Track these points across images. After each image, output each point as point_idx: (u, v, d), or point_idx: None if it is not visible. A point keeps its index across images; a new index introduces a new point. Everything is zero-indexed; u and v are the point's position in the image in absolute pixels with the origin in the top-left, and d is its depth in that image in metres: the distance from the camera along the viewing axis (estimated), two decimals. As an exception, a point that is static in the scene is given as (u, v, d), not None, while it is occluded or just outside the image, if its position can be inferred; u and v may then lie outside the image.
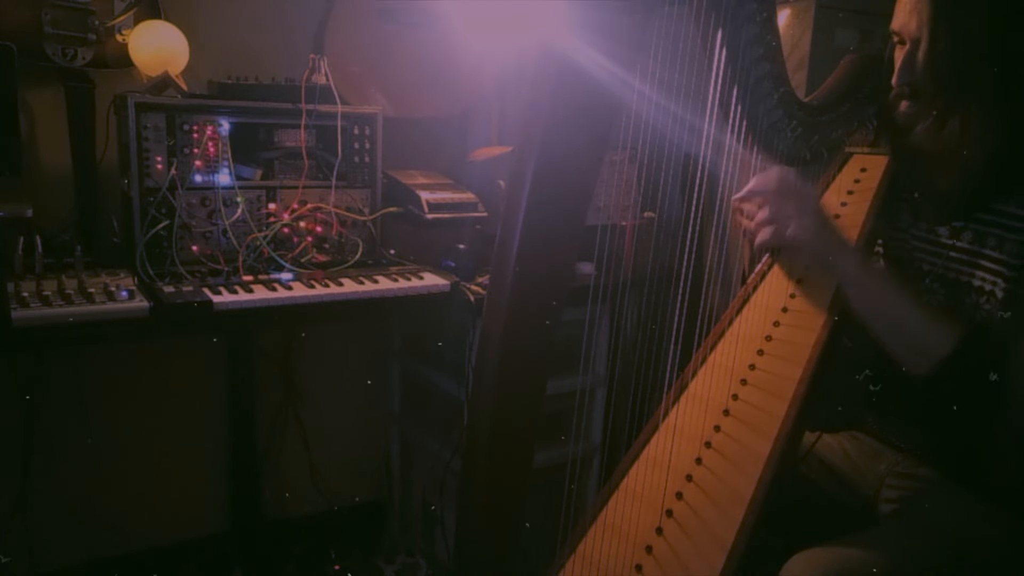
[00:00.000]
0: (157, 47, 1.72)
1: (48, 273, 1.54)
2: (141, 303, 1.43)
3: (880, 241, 1.33)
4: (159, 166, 1.64)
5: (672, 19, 1.06)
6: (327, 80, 1.77)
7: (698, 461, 1.18)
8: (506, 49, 2.09)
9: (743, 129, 1.18)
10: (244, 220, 1.72)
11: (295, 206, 1.77)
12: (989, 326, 1.15)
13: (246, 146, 1.79)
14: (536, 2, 0.99)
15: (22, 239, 1.54)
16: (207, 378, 2.10)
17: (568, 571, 1.16)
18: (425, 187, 1.95)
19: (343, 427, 2.33)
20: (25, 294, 1.40)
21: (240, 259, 1.68)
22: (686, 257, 1.16)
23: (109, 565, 2.05)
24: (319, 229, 1.80)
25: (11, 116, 1.58)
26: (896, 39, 1.19)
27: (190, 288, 1.53)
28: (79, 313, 1.37)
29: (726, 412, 1.21)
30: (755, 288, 1.34)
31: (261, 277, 1.66)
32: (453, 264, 1.83)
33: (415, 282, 1.71)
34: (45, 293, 1.41)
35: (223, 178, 1.70)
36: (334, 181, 1.81)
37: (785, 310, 1.29)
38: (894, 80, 1.19)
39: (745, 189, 1.18)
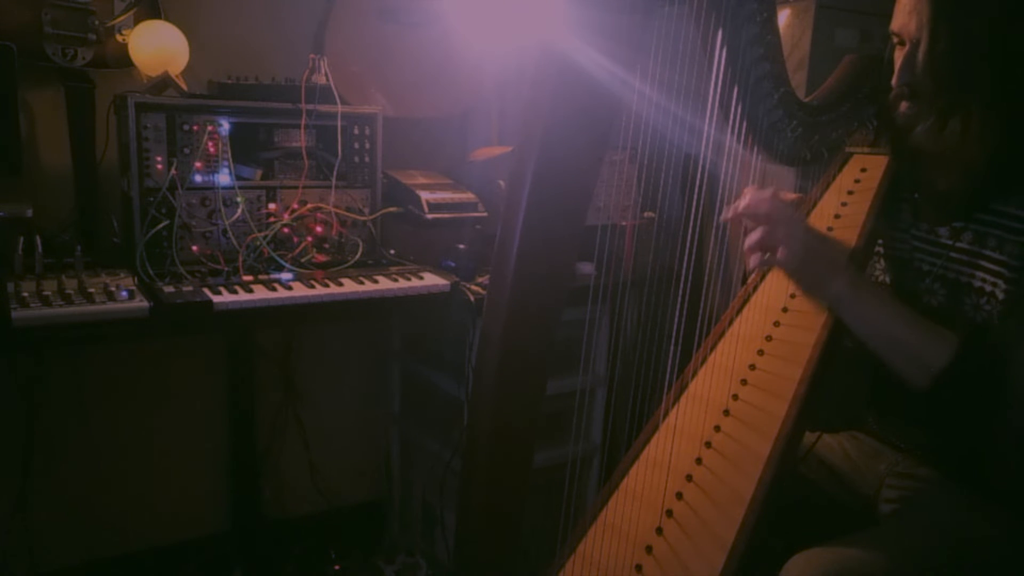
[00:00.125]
0: (157, 47, 1.72)
1: (48, 273, 1.53)
2: (141, 303, 1.42)
3: (880, 241, 1.33)
4: (159, 166, 1.64)
5: (672, 19, 1.06)
6: (327, 80, 1.77)
7: (698, 461, 1.18)
8: (506, 49, 2.09)
9: (743, 129, 1.18)
10: (244, 220, 1.72)
11: (295, 206, 1.77)
12: (988, 328, 1.15)
13: (246, 146, 1.79)
14: (536, 2, 0.99)
15: (22, 239, 1.54)
16: (207, 378, 2.10)
17: (568, 571, 1.16)
18: (425, 187, 1.95)
19: (343, 427, 2.33)
20: (25, 294, 1.40)
21: (240, 259, 1.68)
22: (686, 257, 1.16)
23: (109, 565, 2.05)
24: (319, 229, 1.80)
25: (11, 116, 1.58)
26: (896, 40, 1.19)
27: (190, 288, 1.53)
28: (79, 313, 1.37)
29: (726, 412, 1.21)
30: (755, 288, 1.35)
31: (261, 277, 1.66)
32: (453, 264, 1.83)
33: (415, 282, 1.71)
34: (45, 293, 1.41)
35: (223, 178, 1.70)
36: (334, 181, 1.81)
37: (785, 310, 1.29)
38: (894, 81, 1.19)
39: (739, 208, 1.16)
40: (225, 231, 1.70)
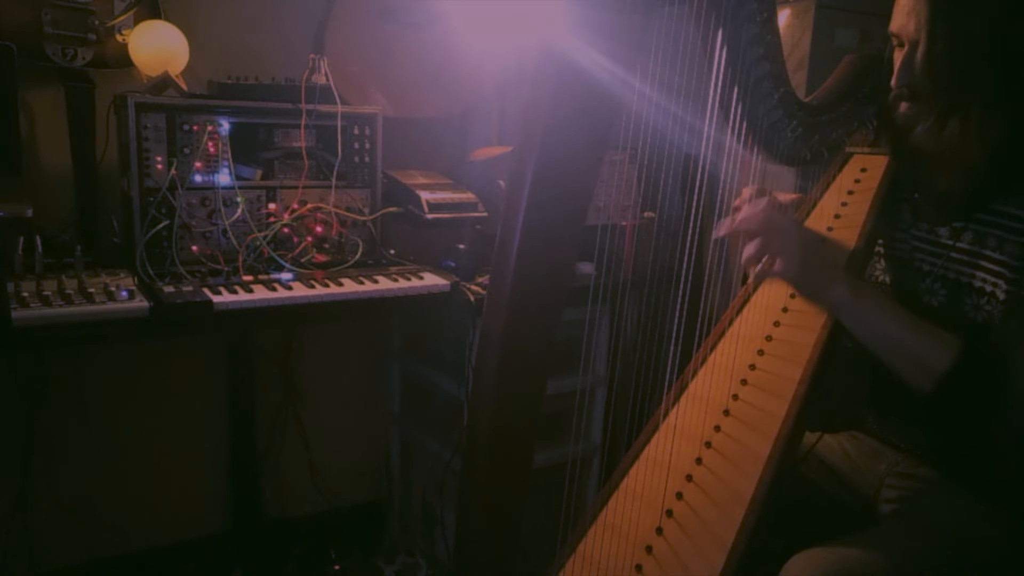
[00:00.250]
0: (157, 47, 1.72)
1: (48, 273, 1.53)
2: (141, 303, 1.42)
3: (880, 241, 1.33)
4: (159, 166, 1.64)
5: (672, 19, 1.06)
6: (327, 80, 1.77)
7: (698, 461, 1.18)
8: (506, 49, 2.09)
9: (743, 129, 1.18)
10: (244, 220, 1.72)
11: (295, 206, 1.77)
12: (989, 329, 1.15)
13: (246, 146, 1.79)
14: (536, 2, 0.99)
15: (22, 239, 1.54)
16: (207, 378, 2.10)
17: (568, 571, 1.16)
18: (425, 187, 1.95)
19: (343, 427, 2.33)
20: (25, 294, 1.40)
21: (240, 259, 1.68)
22: (686, 257, 1.16)
23: (109, 565, 2.05)
24: (319, 229, 1.80)
25: (11, 116, 1.58)
26: (895, 41, 1.19)
27: (190, 288, 1.53)
28: (79, 313, 1.37)
29: (726, 412, 1.21)
30: (755, 288, 1.34)
31: (261, 277, 1.66)
32: (453, 264, 1.83)
33: (415, 282, 1.71)
34: (45, 293, 1.41)
35: (223, 178, 1.70)
36: (334, 181, 1.81)
37: (785, 310, 1.29)
38: (893, 82, 1.19)
39: (733, 223, 1.15)
40: (225, 231, 1.70)
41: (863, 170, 1.37)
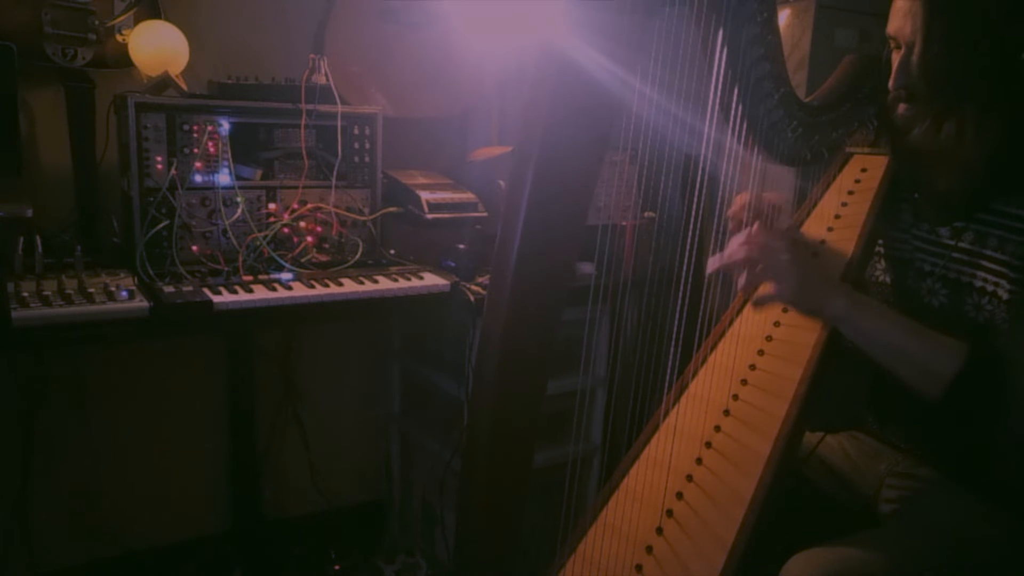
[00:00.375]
0: (157, 47, 1.72)
1: (48, 273, 1.53)
2: (141, 303, 1.42)
3: (881, 241, 1.33)
4: (159, 166, 1.64)
5: (672, 19, 1.06)
6: (327, 80, 1.77)
7: (698, 461, 1.18)
8: (506, 49, 2.09)
9: (743, 129, 1.18)
10: (244, 220, 1.72)
11: (295, 206, 1.77)
12: (991, 330, 1.15)
13: (246, 146, 1.79)
14: (536, 2, 0.99)
15: (22, 239, 1.54)
16: (207, 378, 2.10)
17: (568, 571, 1.16)
18: (425, 187, 1.95)
19: (343, 427, 2.33)
20: (25, 294, 1.40)
21: (240, 259, 1.68)
22: (686, 257, 1.16)
23: (109, 565, 2.05)
24: (319, 229, 1.80)
25: (11, 116, 1.58)
26: (892, 43, 1.20)
27: (190, 288, 1.53)
28: (79, 313, 1.37)
29: (726, 412, 1.21)
30: (756, 288, 1.34)
31: (261, 277, 1.66)
32: (453, 264, 1.83)
33: (415, 282, 1.71)
34: (45, 293, 1.41)
35: (223, 178, 1.70)
36: (334, 181, 1.81)
37: (786, 310, 1.29)
38: (891, 84, 1.20)
39: (723, 258, 1.16)
40: (225, 231, 1.70)
41: (863, 170, 1.37)
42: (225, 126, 1.70)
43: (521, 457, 1.05)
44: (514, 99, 2.24)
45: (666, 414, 1.27)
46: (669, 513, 1.14)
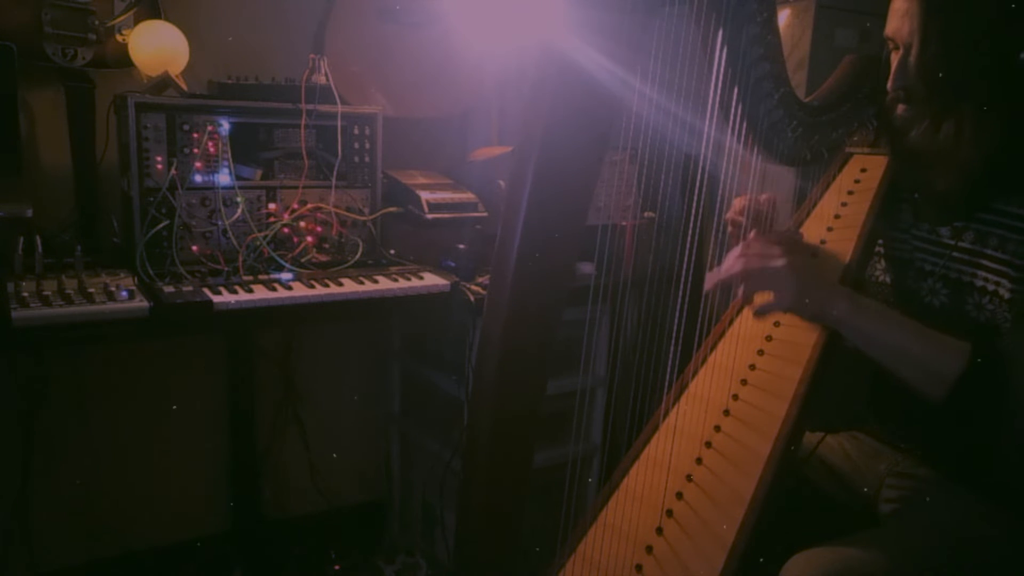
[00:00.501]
0: (157, 47, 1.72)
1: (48, 273, 1.53)
2: (141, 303, 1.42)
3: (880, 241, 1.33)
4: (159, 166, 1.64)
5: (672, 19, 1.06)
6: (327, 80, 1.77)
7: (698, 461, 1.18)
8: (506, 49, 2.09)
9: (743, 129, 1.18)
10: (244, 220, 1.72)
11: (295, 206, 1.77)
12: (994, 329, 1.15)
13: (246, 146, 1.79)
14: (536, 2, 0.99)
15: (22, 239, 1.54)
16: (207, 378, 2.10)
17: (568, 571, 1.16)
18: (425, 187, 1.95)
19: (343, 427, 2.33)
20: (25, 294, 1.40)
21: (240, 259, 1.68)
22: (686, 257, 1.16)
23: (109, 565, 2.05)
24: (319, 229, 1.80)
25: (11, 116, 1.58)
26: (890, 45, 1.20)
27: (190, 288, 1.53)
28: (79, 313, 1.37)
29: (726, 412, 1.21)
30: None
31: (261, 277, 1.66)
32: (453, 264, 1.83)
33: (415, 282, 1.71)
34: (45, 293, 1.41)
35: (223, 178, 1.70)
36: (334, 181, 1.81)
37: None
38: (889, 85, 1.20)
39: (719, 276, 1.16)
40: (225, 231, 1.70)
41: (863, 170, 1.37)
42: (225, 126, 1.70)
43: (521, 457, 1.05)
44: (514, 99, 2.24)
45: (666, 414, 1.26)
46: (669, 513, 1.14)
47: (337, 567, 2.16)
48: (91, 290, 1.45)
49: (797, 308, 1.14)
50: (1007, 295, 1.14)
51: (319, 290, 1.61)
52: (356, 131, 1.85)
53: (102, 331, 1.41)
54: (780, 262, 1.12)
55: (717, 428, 1.20)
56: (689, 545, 1.09)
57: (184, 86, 1.72)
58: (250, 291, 1.55)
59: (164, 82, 1.70)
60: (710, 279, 1.17)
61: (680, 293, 1.17)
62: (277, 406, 2.21)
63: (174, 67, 1.72)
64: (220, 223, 1.70)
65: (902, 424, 1.33)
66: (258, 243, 1.72)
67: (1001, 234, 1.16)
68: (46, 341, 1.43)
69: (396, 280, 1.70)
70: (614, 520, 1.17)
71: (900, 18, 1.16)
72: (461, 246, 1.85)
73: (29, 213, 1.61)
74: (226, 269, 1.65)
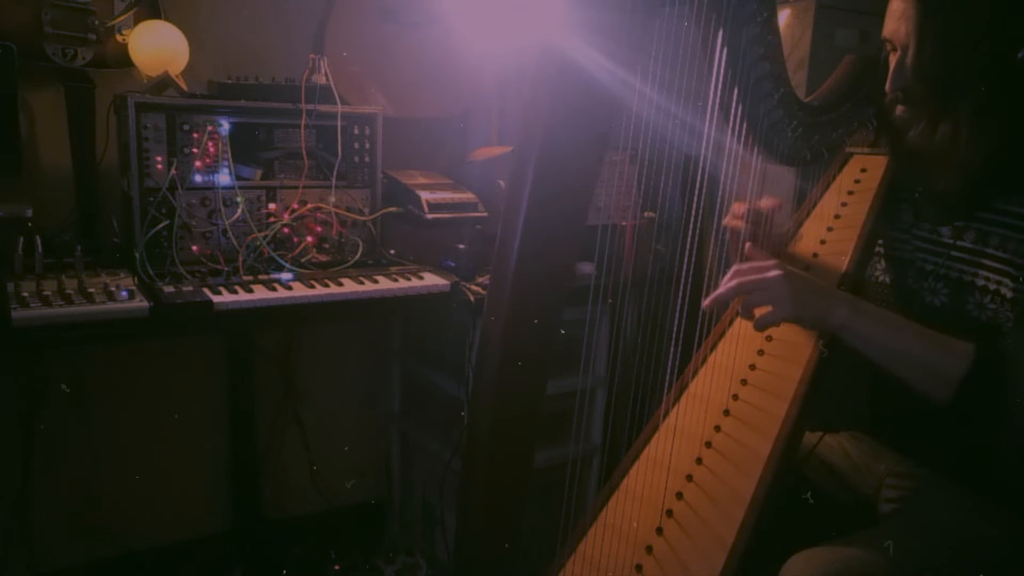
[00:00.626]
0: (157, 47, 1.72)
1: (48, 273, 1.53)
2: (141, 303, 1.42)
3: (880, 241, 1.33)
4: (159, 166, 1.64)
5: (672, 19, 1.06)
6: (327, 80, 1.77)
7: (698, 461, 1.18)
8: (506, 49, 2.09)
9: (743, 129, 1.18)
10: (244, 220, 1.72)
11: (295, 206, 1.77)
12: (996, 328, 1.15)
13: (246, 146, 1.79)
14: (536, 2, 0.99)
15: (22, 239, 1.54)
16: (207, 378, 2.10)
17: (568, 571, 1.16)
18: (425, 187, 1.95)
19: (343, 427, 2.33)
20: (25, 294, 1.40)
21: (240, 259, 1.68)
22: (686, 257, 1.16)
23: (109, 565, 2.05)
24: (319, 229, 1.80)
25: (11, 116, 1.57)
26: (888, 46, 1.20)
27: (190, 288, 1.53)
28: (79, 313, 1.37)
29: (726, 412, 1.21)
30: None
31: (261, 277, 1.66)
32: (453, 264, 1.83)
33: (415, 282, 1.71)
34: (45, 293, 1.41)
35: (223, 178, 1.70)
36: (334, 181, 1.81)
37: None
38: (887, 86, 1.20)
39: (717, 295, 1.16)
40: (225, 231, 1.70)
41: (863, 170, 1.37)
42: (225, 126, 1.70)
43: (521, 457, 1.05)
44: (514, 99, 2.24)
45: (666, 414, 1.27)
46: (669, 513, 1.14)
47: (337, 567, 2.16)
48: (91, 290, 1.45)
49: (796, 318, 1.14)
50: (1009, 294, 1.14)
51: (319, 290, 1.61)
52: (356, 131, 1.85)
53: (102, 331, 1.41)
54: (775, 273, 1.12)
55: (717, 428, 1.20)
56: (689, 545, 1.09)
57: (184, 86, 1.72)
58: (250, 291, 1.55)
59: (164, 82, 1.70)
60: (708, 300, 1.17)
61: (680, 293, 1.17)
62: (277, 406, 2.21)
63: (174, 67, 1.72)
64: (220, 223, 1.70)
65: (902, 424, 1.33)
66: (258, 243, 1.72)
67: (1002, 233, 1.16)
68: (46, 341, 1.43)
69: (396, 280, 1.70)
70: (614, 520, 1.17)
71: (897, 20, 1.16)
72: (461, 246, 1.85)
73: (29, 213, 1.61)
74: (226, 269, 1.65)
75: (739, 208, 1.34)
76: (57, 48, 1.68)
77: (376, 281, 1.69)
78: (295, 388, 2.21)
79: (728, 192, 1.30)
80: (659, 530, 1.12)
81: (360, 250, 1.83)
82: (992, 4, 1.12)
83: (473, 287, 1.73)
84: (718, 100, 1.15)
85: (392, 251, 1.90)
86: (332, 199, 1.81)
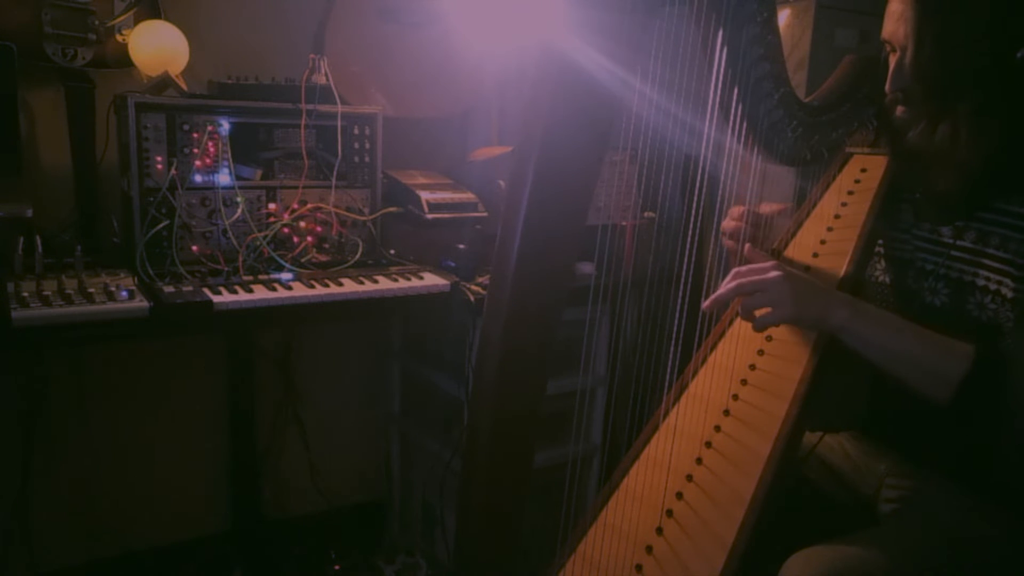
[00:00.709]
0: (157, 47, 1.72)
1: (48, 273, 1.53)
2: (141, 303, 1.42)
3: (881, 241, 1.33)
4: (159, 166, 1.64)
5: (672, 19, 1.06)
6: (327, 80, 1.77)
7: (698, 461, 1.18)
8: (506, 49, 2.09)
9: (743, 129, 1.18)
10: (244, 220, 1.72)
11: (295, 206, 1.77)
12: (997, 328, 1.15)
13: (246, 146, 1.79)
14: (536, 2, 0.99)
15: (22, 239, 1.54)
16: (207, 378, 2.10)
17: (568, 571, 1.16)
18: (425, 187, 1.95)
19: (343, 427, 2.33)
20: (25, 294, 1.40)
21: (240, 259, 1.68)
22: (686, 257, 1.16)
23: (109, 565, 2.05)
24: (319, 229, 1.80)
25: (11, 116, 1.58)
26: (888, 47, 1.21)
27: (190, 288, 1.53)
28: (79, 313, 1.37)
29: (726, 412, 1.21)
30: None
31: (261, 277, 1.66)
32: (453, 264, 1.83)
33: (415, 282, 1.71)
34: (45, 293, 1.41)
35: (223, 178, 1.70)
36: (334, 181, 1.81)
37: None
38: (887, 87, 1.20)
39: (715, 298, 1.16)
40: (225, 231, 1.70)
41: (863, 170, 1.37)
42: (225, 126, 1.70)
43: (521, 457, 1.05)
44: (514, 99, 2.24)
45: (666, 414, 1.27)
46: (669, 513, 1.14)
47: (337, 567, 2.16)
48: (91, 290, 1.45)
49: (796, 319, 1.15)
50: (1010, 294, 1.14)
51: (319, 290, 1.62)
52: (356, 131, 1.85)
53: (102, 331, 1.41)
54: (775, 274, 1.13)
55: (717, 428, 1.20)
56: (689, 545, 1.09)
57: (184, 86, 1.72)
58: (250, 291, 1.55)
59: (164, 82, 1.70)
60: (707, 302, 1.17)
61: (680, 293, 1.17)
62: (277, 406, 2.21)
63: (174, 67, 1.72)
64: (220, 223, 1.70)
65: (902, 424, 1.33)
66: (258, 243, 1.72)
67: (1003, 233, 1.16)
68: (46, 341, 1.43)
69: (396, 280, 1.70)
70: (614, 520, 1.17)
71: (895, 21, 1.17)
72: (461, 246, 1.85)
73: (29, 213, 1.61)
74: (226, 269, 1.65)
75: (736, 211, 1.34)
76: (57, 48, 1.69)
77: (376, 281, 1.69)
78: (295, 388, 2.22)
79: (728, 192, 1.30)
80: (659, 530, 1.13)
81: (360, 250, 1.83)
82: (991, 4, 1.12)
83: (473, 287, 1.73)
84: (718, 100, 1.15)
85: (392, 251, 1.90)
86: (332, 199, 1.81)
